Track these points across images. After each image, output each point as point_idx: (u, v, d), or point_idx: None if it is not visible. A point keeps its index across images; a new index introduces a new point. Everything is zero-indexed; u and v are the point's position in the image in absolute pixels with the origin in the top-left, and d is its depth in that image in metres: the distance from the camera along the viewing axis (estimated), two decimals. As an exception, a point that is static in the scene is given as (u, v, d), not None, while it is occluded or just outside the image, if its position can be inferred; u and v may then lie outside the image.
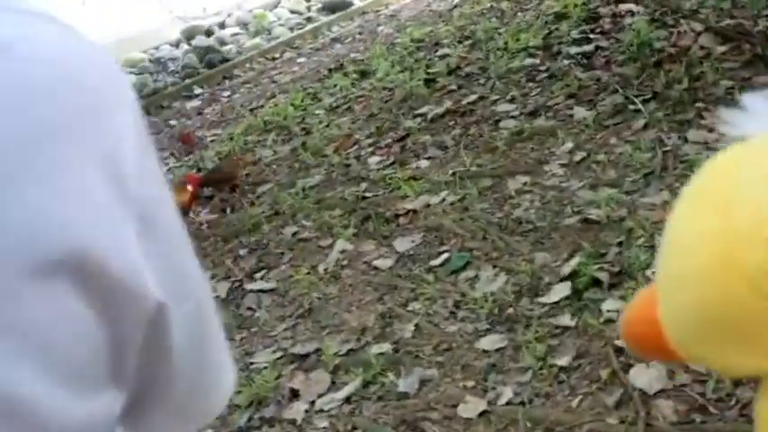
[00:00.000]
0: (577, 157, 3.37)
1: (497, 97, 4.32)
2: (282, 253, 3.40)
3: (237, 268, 3.38)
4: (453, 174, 3.57)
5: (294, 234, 3.51)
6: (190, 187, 3.79)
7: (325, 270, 3.14)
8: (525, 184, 3.28)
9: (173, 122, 6.64)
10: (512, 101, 4.21)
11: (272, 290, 3.14)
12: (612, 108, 3.68)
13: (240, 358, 2.74)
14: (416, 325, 2.62)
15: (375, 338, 2.63)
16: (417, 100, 4.74)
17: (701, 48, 3.96)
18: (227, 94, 7.04)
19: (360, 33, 7.77)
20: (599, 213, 2.86)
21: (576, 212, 2.95)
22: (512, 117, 4.01)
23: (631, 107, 3.63)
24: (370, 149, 4.25)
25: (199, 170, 4.84)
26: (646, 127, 3.41)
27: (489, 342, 2.38)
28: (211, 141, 5.58)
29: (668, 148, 3.18)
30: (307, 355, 2.64)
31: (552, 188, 3.19)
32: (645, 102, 3.61)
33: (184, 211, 3.84)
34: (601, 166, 3.23)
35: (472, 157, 3.69)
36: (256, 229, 3.66)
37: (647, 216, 2.78)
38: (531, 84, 4.36)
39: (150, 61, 8.16)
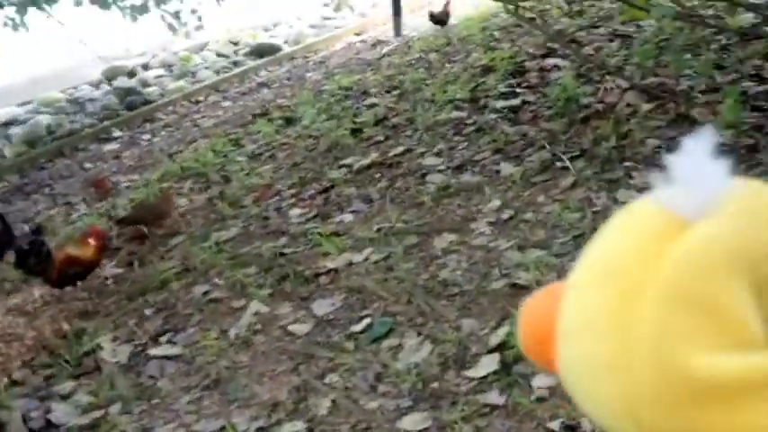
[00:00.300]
0: (505, 215, 3.24)
1: (424, 150, 4.20)
2: (191, 314, 3.14)
3: (141, 330, 3.10)
4: (378, 230, 3.39)
5: (205, 293, 3.25)
6: (92, 241, 3.49)
7: (237, 335, 2.89)
8: (452, 242, 3.12)
9: (88, 165, 6.30)
10: (438, 154, 4.09)
11: (177, 356, 2.87)
12: (540, 164, 3.59)
13: (136, 436, 2.45)
14: (333, 401, 2.40)
15: (288, 415, 2.40)
16: (343, 150, 4.58)
17: (628, 105, 3.93)
18: (146, 137, 6.75)
19: (288, 79, 7.62)
20: (527, 277, 2.72)
21: (503, 275, 2.81)
22: (438, 171, 3.88)
23: (559, 164, 3.55)
24: (291, 201, 4.04)
25: (110, 218, 4.54)
26: (574, 185, 3.33)
27: (412, 422, 2.18)
28: (126, 187, 5.28)
29: (597, 209, 3.08)
30: (212, 435, 2.39)
31: (479, 248, 3.04)
32: (572, 159, 3.53)
33: (91, 265, 3.53)
34: (529, 225, 3.11)
35: (398, 212, 3.53)
36: (164, 287, 3.39)
37: (577, 280, 2.66)
38: (457, 137, 4.25)
39: (68, 101, 7.79)
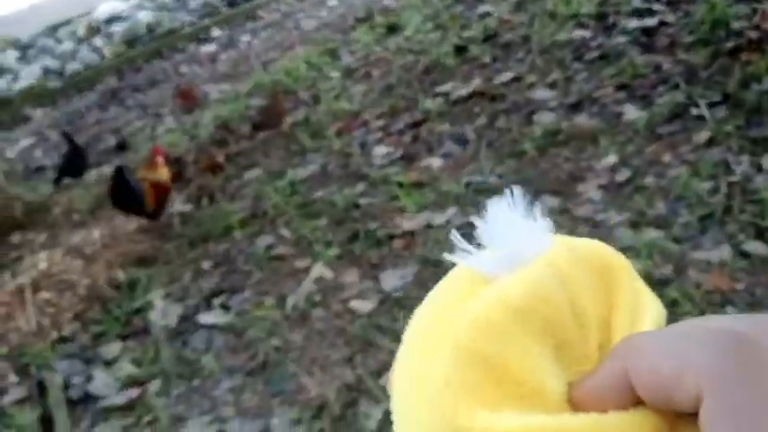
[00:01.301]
0: (620, 177, 2.66)
1: (535, 79, 3.59)
2: (250, 272, 2.82)
3: (196, 288, 2.81)
4: (467, 185, 2.90)
5: (268, 248, 2.91)
6: (160, 162, 3.22)
7: (294, 306, 2.55)
8: (552, 209, 2.59)
9: (183, 69, 6.03)
10: (552, 86, 3.47)
11: (227, 327, 2.56)
12: (671, 109, 2.94)
13: (169, 426, 2.19)
14: (386, 412, 2.02)
15: (333, 422, 2.05)
16: (443, 72, 4.03)
17: (794, 32, 3.15)
18: (245, 38, 6.37)
19: (399, -25, 6.96)
20: (637, 267, 2.18)
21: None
22: (549, 109, 3.29)
23: (694, 111, 2.88)
24: (378, 135, 3.58)
25: (192, 138, 4.26)
26: (710, 143, 2.68)
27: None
28: (215, 100, 4.96)
29: (735, 179, 2.46)
30: (244, 440, 2.08)
31: (584, 220, 2.51)
32: (711, 106, 2.86)
33: (164, 191, 3.25)
34: (647, 194, 2.53)
35: (494, 161, 3.02)
36: (228, 234, 3.07)
37: (698, 281, 2.11)
38: (577, 64, 3.60)
39: (171, -5, 7.50)
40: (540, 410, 0.32)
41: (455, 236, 0.37)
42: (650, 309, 0.37)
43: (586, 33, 3.85)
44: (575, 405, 0.33)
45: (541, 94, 3.44)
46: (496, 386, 0.33)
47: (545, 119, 3.21)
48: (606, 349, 0.35)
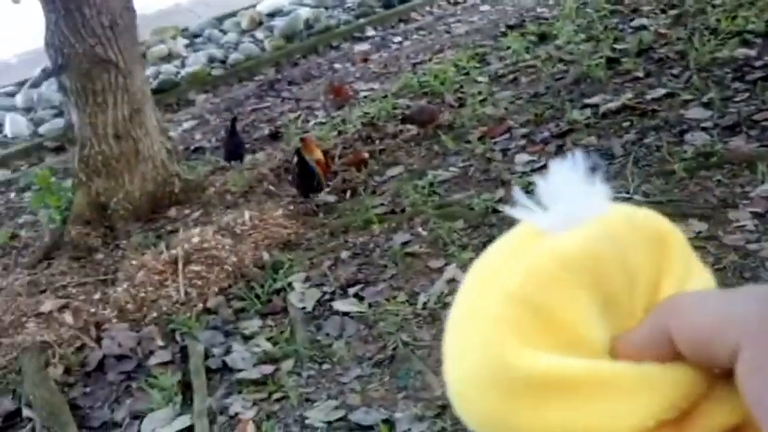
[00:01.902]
0: (778, 207, 2.54)
1: (691, 97, 3.46)
2: (386, 266, 2.90)
3: (333, 276, 2.93)
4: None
5: (404, 244, 2.99)
6: (313, 146, 3.62)
7: (425, 304, 2.60)
8: (699, 234, 2.51)
9: (337, 66, 6.24)
10: (707, 105, 3.34)
11: (359, 315, 2.66)
12: (844, 140, 2.76)
13: (297, 405, 2.31)
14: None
15: (454, 425, 2.09)
16: (593, 84, 3.96)
17: None
18: (397, 39, 6.51)
19: (555, -17, 6.87)
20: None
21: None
22: (702, 129, 3.17)
23: None
24: (521, 142, 3.58)
25: (339, 133, 4.42)
26: None
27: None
28: (364, 97, 5.11)
29: None
30: (369, 429, 2.15)
31: (733, 249, 2.41)
32: None
33: (325, 169, 3.58)
34: (808, 228, 2.40)
35: (640, 179, 2.94)
36: (366, 228, 3.17)
37: None
38: (737, 84, 3.45)
39: (331, -6, 7.76)
40: (581, 357, 0.34)
41: (518, 193, 0.39)
42: (700, 279, 0.38)
43: (751, 52, 3.67)
44: (615, 356, 0.35)
45: (696, 112, 3.31)
46: (542, 330, 0.34)
47: (698, 139, 3.10)
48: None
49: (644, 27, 4.53)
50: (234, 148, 4.25)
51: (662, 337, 0.33)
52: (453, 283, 2.68)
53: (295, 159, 3.53)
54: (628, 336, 0.35)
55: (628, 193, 2.87)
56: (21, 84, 6.40)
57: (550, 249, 0.36)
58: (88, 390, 2.69)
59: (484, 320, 0.36)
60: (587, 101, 3.75)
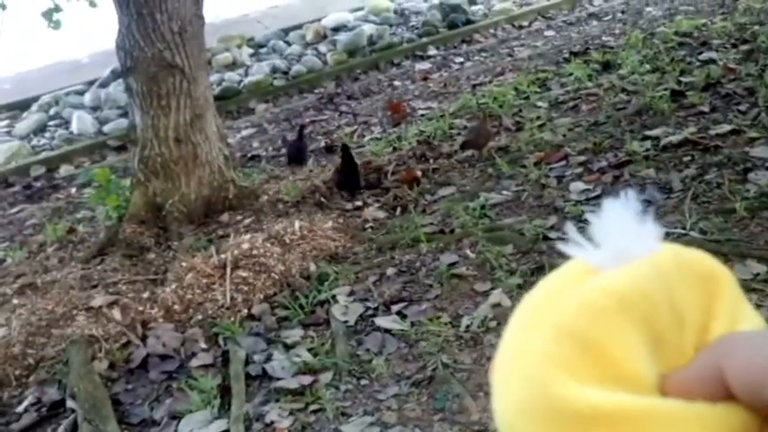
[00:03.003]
0: (843, 254, 2.44)
1: (757, 135, 3.37)
2: (431, 286, 2.88)
3: (377, 292, 2.92)
4: (666, 236, 2.77)
5: (451, 265, 2.96)
6: None
7: (467, 328, 2.58)
8: (756, 276, 2.43)
9: (396, 83, 6.27)
10: (775, 144, 3.25)
11: (401, 334, 2.64)
12: None
13: (333, 419, 2.30)
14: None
15: (489, 450, 2.06)
16: (655, 116, 3.89)
17: None
18: (459, 60, 6.51)
19: (622, 12, 6.80)
20: None
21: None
22: (767, 168, 3.08)
23: None
24: (577, 170, 3.53)
25: (394, 149, 4.44)
26: None
27: None
28: (421, 116, 5.11)
29: None
30: (401, 448, 2.14)
31: (792, 294, 2.32)
32: None
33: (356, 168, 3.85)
34: None
35: (698, 215, 2.87)
36: (414, 246, 3.16)
37: None
38: (807, 124, 3.34)
39: (395, 12, 7.82)
40: (630, 393, 0.34)
41: (570, 229, 0.40)
42: (751, 321, 0.38)
43: (824, 92, 3.55)
44: (664, 394, 0.35)
45: (762, 151, 3.22)
46: (591, 365, 0.35)
47: (762, 178, 3.01)
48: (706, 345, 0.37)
49: (712, 61, 4.44)
50: (297, 152, 4.43)
51: (714, 376, 0.33)
52: (498, 307, 2.65)
53: (340, 153, 3.82)
54: (678, 374, 0.35)
55: (684, 229, 2.79)
56: (90, 83, 6.60)
57: (602, 285, 0.37)
58: (130, 386, 2.73)
59: (533, 354, 0.36)
60: (648, 133, 3.68)
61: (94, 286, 3.37)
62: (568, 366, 0.35)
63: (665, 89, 4.11)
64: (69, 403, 2.64)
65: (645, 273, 0.37)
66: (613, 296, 0.36)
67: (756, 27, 4.86)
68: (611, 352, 0.35)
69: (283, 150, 4.91)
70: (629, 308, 0.36)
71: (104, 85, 6.48)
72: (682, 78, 4.25)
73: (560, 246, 0.39)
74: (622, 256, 0.38)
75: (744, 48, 4.55)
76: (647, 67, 4.67)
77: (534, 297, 0.40)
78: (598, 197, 3.22)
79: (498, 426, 0.37)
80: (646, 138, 3.63)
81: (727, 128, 3.49)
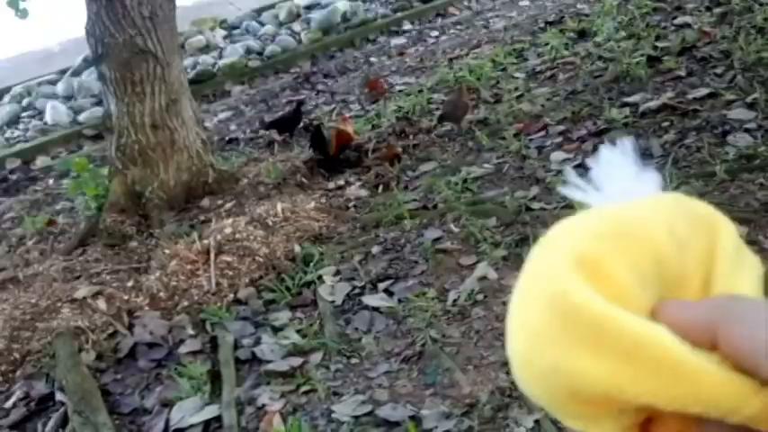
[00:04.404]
0: (822, 212, 2.47)
1: (734, 97, 3.38)
2: (416, 262, 2.88)
3: (364, 270, 2.92)
4: (646, 200, 2.80)
5: (436, 240, 2.96)
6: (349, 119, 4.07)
7: (455, 302, 2.58)
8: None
9: (373, 59, 6.23)
10: (752, 106, 3.26)
11: (388, 311, 2.64)
12: None
13: (324, 399, 2.30)
14: (537, 421, 2.01)
15: (482, 424, 2.07)
16: (632, 83, 3.89)
17: None
18: (434, 34, 6.47)
19: (596, -22, 6.76)
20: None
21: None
22: (746, 130, 3.10)
23: None
24: (557, 140, 3.53)
25: (373, 127, 4.41)
26: None
27: None
28: (399, 91, 5.08)
29: None
30: (396, 426, 2.14)
31: (774, 254, 2.35)
32: None
33: (345, 139, 3.95)
34: None
35: (679, 179, 2.88)
36: (398, 223, 3.16)
37: None
38: (784, 85, 3.36)
39: (368, -13, 7.75)
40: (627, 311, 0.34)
41: (570, 172, 0.41)
42: (750, 259, 0.39)
43: (799, 53, 3.57)
44: (656, 316, 0.36)
45: (739, 113, 3.24)
46: (599, 285, 0.35)
47: (741, 140, 3.03)
48: (711, 283, 0.38)
49: (687, 25, 4.44)
50: (286, 124, 4.60)
51: (706, 333, 0.34)
52: (484, 280, 2.65)
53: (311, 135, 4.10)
54: (678, 308, 0.36)
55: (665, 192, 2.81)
56: (62, 72, 6.50)
57: (604, 212, 0.39)
58: (119, 376, 2.71)
59: (548, 275, 0.37)
60: (626, 99, 3.69)
61: (77, 277, 3.34)
62: (579, 282, 0.35)
63: (642, 55, 4.11)
64: (58, 396, 2.62)
65: (645, 204, 0.39)
66: (611, 220, 0.37)
67: (730, -11, 4.86)
68: (610, 271, 0.36)
69: (262, 132, 4.87)
70: (627, 231, 0.37)
71: (77, 73, 6.38)
72: (657, 44, 4.25)
73: (563, 189, 0.41)
74: (623, 197, 0.39)
75: (718, 11, 4.55)
76: (623, 33, 4.66)
77: (545, 238, 0.40)
78: (579, 166, 3.22)
79: (515, 364, 0.38)
80: (624, 104, 3.63)
81: (704, 91, 3.50)
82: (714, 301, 0.36)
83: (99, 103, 5.74)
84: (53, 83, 6.39)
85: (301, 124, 4.71)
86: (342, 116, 4.10)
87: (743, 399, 0.33)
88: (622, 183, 0.40)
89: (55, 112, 5.87)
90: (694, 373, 0.33)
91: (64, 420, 2.51)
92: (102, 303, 3.08)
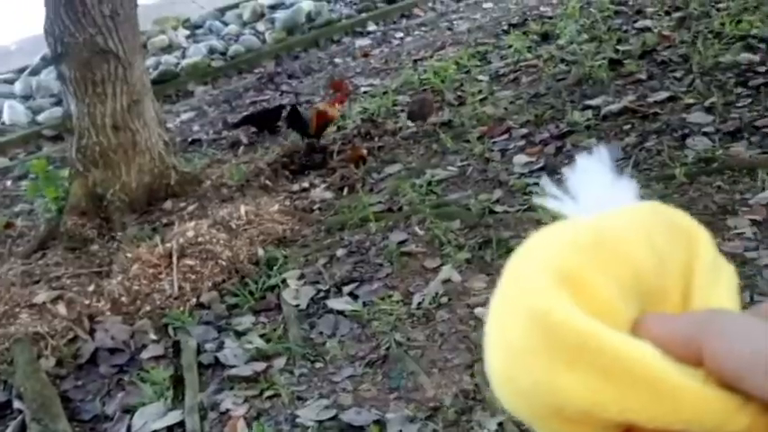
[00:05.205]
0: (777, 215, 2.52)
1: (693, 101, 3.44)
2: (381, 265, 2.89)
3: (328, 273, 2.91)
4: (607, 203, 2.83)
5: (401, 243, 2.97)
6: (339, 105, 4.13)
7: (419, 305, 2.59)
8: (696, 240, 2.49)
9: (337, 60, 6.22)
10: (709, 110, 3.32)
11: (353, 314, 2.64)
12: None
13: (288, 404, 2.29)
14: (500, 424, 2.02)
15: (446, 427, 2.08)
16: (594, 85, 3.94)
17: None
18: (399, 35, 6.48)
19: (559, -18, 6.83)
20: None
21: (752, 302, 2.17)
22: (704, 134, 3.16)
23: None
24: (520, 143, 3.56)
25: (338, 128, 4.40)
26: None
27: None
28: (364, 92, 5.08)
29: None
30: (360, 430, 2.14)
31: (731, 256, 2.39)
32: None
33: (326, 119, 4.04)
34: (807, 237, 2.38)
35: (640, 183, 2.91)
36: (363, 226, 3.16)
37: None
38: (740, 89, 3.43)
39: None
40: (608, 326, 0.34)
41: (545, 180, 0.40)
42: (726, 270, 0.39)
43: (755, 57, 3.65)
44: (638, 331, 0.35)
45: (698, 117, 3.30)
46: (574, 296, 0.35)
47: (699, 144, 3.08)
48: (691, 296, 0.38)
49: (647, 29, 4.51)
50: (264, 119, 4.60)
51: (690, 347, 0.33)
52: (448, 283, 2.67)
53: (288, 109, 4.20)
54: (660, 323, 0.35)
55: (626, 196, 2.85)
56: (20, 71, 6.37)
57: (580, 224, 0.38)
58: (80, 382, 2.67)
59: (527, 290, 0.36)
60: (588, 102, 3.73)
61: (37, 282, 3.28)
62: (560, 298, 0.35)
63: (604, 58, 4.17)
64: (16, 404, 2.57)
65: (623, 215, 0.38)
66: (590, 232, 0.37)
67: (688, -6, 4.94)
68: (591, 285, 0.35)
69: (225, 133, 4.83)
70: (606, 243, 0.37)
71: (35, 72, 6.26)
72: (619, 47, 4.32)
73: (537, 199, 0.41)
74: (600, 206, 0.39)
75: (676, 15, 4.63)
76: (585, 36, 4.72)
77: (522, 249, 0.40)
78: (541, 169, 3.26)
79: (495, 381, 0.37)
80: (586, 107, 3.68)
81: (664, 95, 3.56)
82: (695, 316, 0.36)
83: (58, 103, 5.64)
84: (10, 82, 6.26)
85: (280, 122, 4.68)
86: (341, 97, 4.20)
87: (727, 416, 0.33)
88: (598, 191, 0.40)
89: (12, 111, 5.76)
90: (677, 390, 0.33)
91: (22, 428, 2.46)
92: (62, 308, 3.03)
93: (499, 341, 0.37)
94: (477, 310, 2.48)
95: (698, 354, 0.33)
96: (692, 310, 0.37)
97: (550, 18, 5.47)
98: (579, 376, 0.33)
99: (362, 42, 6.49)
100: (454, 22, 6.43)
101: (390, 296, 2.68)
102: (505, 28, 5.59)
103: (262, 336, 2.64)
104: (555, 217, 0.40)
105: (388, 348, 2.43)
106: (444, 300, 2.58)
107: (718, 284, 0.38)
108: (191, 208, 3.72)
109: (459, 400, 2.15)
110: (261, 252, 3.13)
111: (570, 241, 0.37)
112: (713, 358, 0.33)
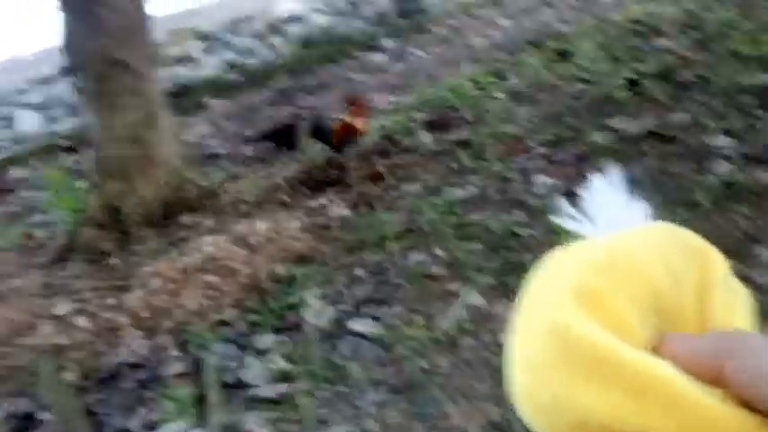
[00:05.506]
0: (803, 243, 2.51)
1: (713, 123, 3.44)
2: (401, 286, 2.88)
3: (349, 293, 2.91)
4: (630, 227, 2.83)
5: (420, 264, 2.96)
6: (363, 118, 4.03)
7: (444, 331, 2.58)
8: (721, 267, 2.48)
9: (352, 75, 6.23)
10: (729, 133, 3.32)
11: (376, 338, 2.64)
12: None
13: (312, 427, 2.28)
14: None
15: (471, 454, 2.07)
16: (613, 106, 3.94)
17: None
18: (415, 51, 6.49)
19: (575, -1, 6.86)
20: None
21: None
22: (725, 158, 3.15)
23: None
24: (540, 163, 3.56)
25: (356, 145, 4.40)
26: None
27: None
28: (380, 110, 5.08)
29: None
30: (384, 455, 2.14)
31: (760, 288, 2.38)
32: None
33: (350, 132, 3.99)
34: (834, 266, 2.37)
35: (663, 209, 2.92)
36: (382, 245, 3.15)
37: None
38: (761, 111, 3.42)
39: (346, 1, 7.76)
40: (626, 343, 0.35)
41: (562, 201, 0.42)
42: (741, 291, 0.41)
43: (775, 80, 3.65)
44: (658, 350, 0.36)
45: (718, 140, 3.29)
46: (593, 315, 0.36)
47: (721, 168, 3.08)
48: (707, 315, 0.38)
49: (665, 50, 4.52)
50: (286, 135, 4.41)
51: (711, 367, 0.34)
52: (472, 308, 2.66)
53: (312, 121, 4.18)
54: (682, 342, 0.36)
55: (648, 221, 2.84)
56: (37, 81, 6.40)
57: (597, 243, 0.40)
58: (102, 396, 2.67)
59: (548, 305, 0.37)
60: (608, 122, 3.73)
61: (56, 293, 3.28)
62: (579, 314, 0.36)
63: (622, 78, 4.17)
64: (40, 415, 2.57)
65: (637, 235, 0.40)
66: (607, 252, 0.38)
67: (705, 14, 4.95)
68: (608, 304, 0.36)
69: (242, 148, 4.84)
70: (622, 263, 0.38)
71: (52, 83, 6.29)
72: (636, 66, 4.32)
73: (554, 218, 0.42)
74: (615, 227, 0.40)
75: (694, 36, 4.63)
76: (603, 54, 4.72)
77: (541, 269, 0.41)
78: (563, 191, 3.26)
79: (517, 399, 0.38)
80: (607, 128, 3.67)
81: (685, 117, 3.56)
82: (718, 335, 0.36)
83: (74, 113, 5.67)
84: (27, 92, 6.29)
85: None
86: (356, 105, 4.10)
87: None
88: (613, 212, 0.41)
89: (29, 121, 5.78)
90: (697, 407, 0.33)
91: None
92: (83, 321, 3.03)
93: (520, 357, 0.38)
94: (502, 338, 2.47)
95: (719, 373, 0.34)
96: (714, 330, 0.38)
97: (566, 36, 5.48)
98: (598, 390, 0.34)
99: (378, 58, 6.50)
100: (470, 39, 6.44)
101: (412, 320, 2.67)
102: (522, 46, 5.60)
103: (283, 355, 2.64)
104: (572, 237, 0.42)
105: (412, 374, 2.42)
106: (468, 326, 2.57)
107: (735, 304, 0.39)
108: (208, 223, 3.72)
109: (487, 431, 2.14)
110: (281, 269, 3.13)
111: (588, 261, 0.38)
112: (734, 377, 0.33)
